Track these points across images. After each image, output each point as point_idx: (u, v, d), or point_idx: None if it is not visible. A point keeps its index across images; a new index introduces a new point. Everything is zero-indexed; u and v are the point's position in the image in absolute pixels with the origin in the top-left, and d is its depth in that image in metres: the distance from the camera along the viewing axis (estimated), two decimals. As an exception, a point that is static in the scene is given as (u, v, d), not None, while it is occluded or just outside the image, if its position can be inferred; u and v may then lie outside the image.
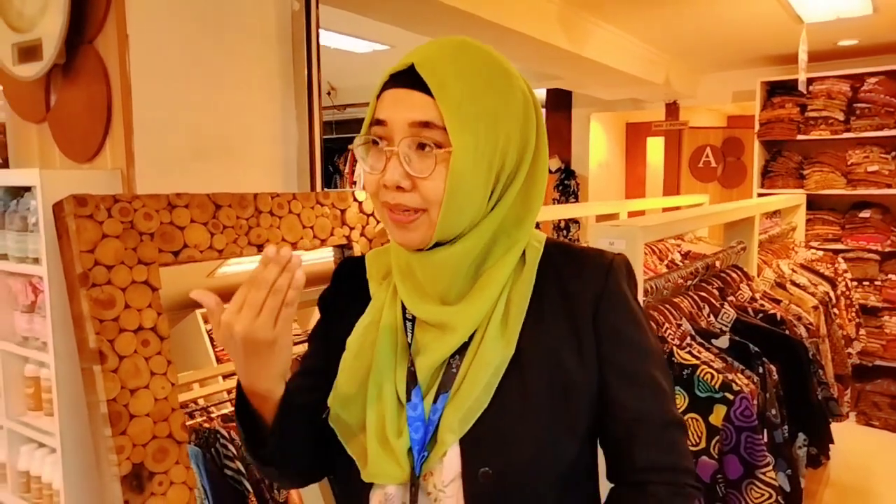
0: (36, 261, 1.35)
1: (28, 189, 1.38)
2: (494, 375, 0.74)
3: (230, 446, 1.51)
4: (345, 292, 0.90)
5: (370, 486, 0.78)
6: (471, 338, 0.77)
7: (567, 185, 6.35)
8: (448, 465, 0.74)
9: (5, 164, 1.92)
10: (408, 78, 0.73)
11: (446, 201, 0.72)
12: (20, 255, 1.39)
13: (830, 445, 1.89)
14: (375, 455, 0.75)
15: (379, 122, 0.75)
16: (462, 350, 0.77)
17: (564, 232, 5.63)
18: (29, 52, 1.54)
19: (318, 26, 1.87)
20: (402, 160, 0.72)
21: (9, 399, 1.48)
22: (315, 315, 2.57)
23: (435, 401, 0.76)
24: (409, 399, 0.77)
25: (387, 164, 0.74)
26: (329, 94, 6.20)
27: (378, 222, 1.73)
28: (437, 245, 0.76)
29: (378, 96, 0.76)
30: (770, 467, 1.39)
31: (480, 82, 0.73)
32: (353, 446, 0.78)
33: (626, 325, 0.79)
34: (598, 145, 6.66)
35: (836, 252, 3.75)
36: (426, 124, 0.72)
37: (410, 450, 0.75)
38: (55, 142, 1.62)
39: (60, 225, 1.23)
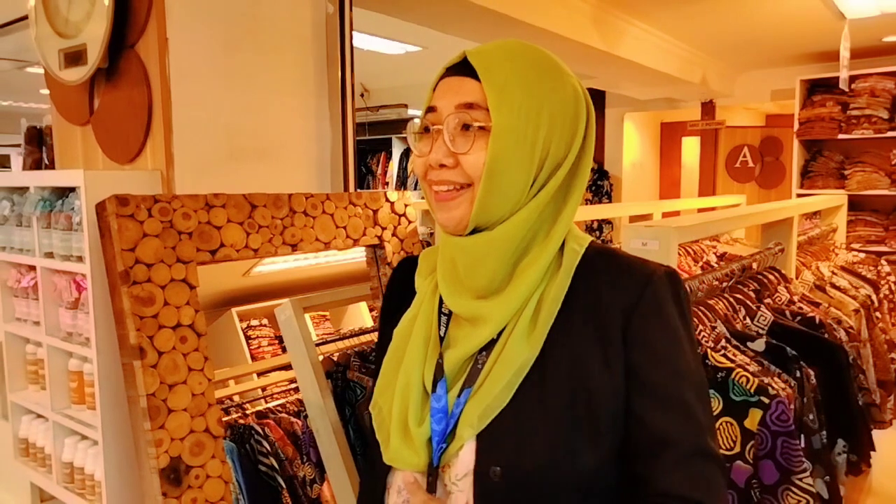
0: (80, 259, 1.40)
1: (73, 189, 1.43)
2: (516, 375, 0.74)
3: (264, 442, 1.53)
4: (398, 291, 0.93)
5: (391, 469, 0.81)
6: (500, 335, 0.78)
7: (600, 186, 6.29)
8: (463, 460, 0.75)
9: (51, 166, 1.99)
10: (460, 68, 0.77)
11: (485, 176, 0.74)
12: (65, 254, 1.43)
13: (872, 453, 1.84)
14: (396, 440, 0.78)
15: (431, 110, 0.78)
16: (490, 347, 0.78)
17: (597, 233, 5.58)
18: (74, 57, 1.60)
19: (351, 29, 1.89)
20: (447, 139, 0.75)
21: (53, 392, 1.53)
22: (347, 314, 2.58)
23: (459, 394, 0.77)
24: (434, 390, 0.78)
25: (433, 145, 0.77)
26: (362, 95, 6.25)
27: (410, 222, 1.74)
28: (477, 232, 0.78)
29: (434, 89, 0.80)
30: (807, 473, 1.36)
31: (528, 70, 0.76)
32: (381, 431, 0.81)
33: (660, 341, 0.75)
34: (631, 145, 6.58)
35: (879, 254, 3.63)
36: (471, 105, 0.75)
37: (430, 440, 0.77)
38: (98, 143, 1.67)
39: (103, 224, 1.26)
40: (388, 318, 0.93)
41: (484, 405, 0.74)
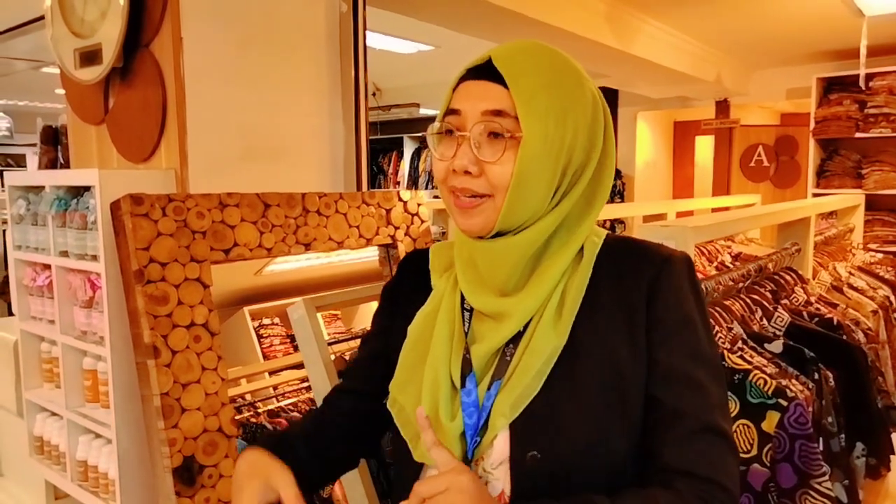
0: (94, 258, 1.40)
1: (88, 188, 1.44)
2: (546, 363, 0.75)
3: (277, 441, 1.53)
4: (408, 283, 0.93)
5: (423, 466, 0.81)
6: (526, 327, 0.78)
7: (612, 185, 6.26)
8: (498, 449, 0.76)
9: (67, 165, 2.00)
10: (484, 71, 0.76)
11: (513, 187, 0.74)
12: (80, 253, 1.44)
13: (891, 456, 1.81)
14: None
15: (453, 112, 0.77)
16: (517, 339, 0.78)
17: (609, 232, 5.56)
18: (89, 57, 1.60)
19: (364, 28, 1.88)
20: (473, 146, 0.75)
21: (68, 391, 1.54)
22: (358, 313, 2.58)
23: (489, 388, 0.77)
24: (463, 385, 0.79)
25: (457, 151, 0.76)
26: (374, 94, 6.25)
27: (423, 222, 1.73)
28: (499, 235, 0.78)
29: (454, 89, 0.79)
30: (825, 477, 1.34)
31: (553, 78, 0.76)
32: (407, 429, 0.81)
33: (673, 322, 0.77)
34: (644, 144, 6.54)
35: (897, 255, 3.59)
36: (498, 112, 0.74)
37: (463, 434, 0.77)
38: (113, 143, 1.68)
39: (117, 223, 1.27)
40: (393, 306, 0.93)
41: (515, 395, 0.75)
